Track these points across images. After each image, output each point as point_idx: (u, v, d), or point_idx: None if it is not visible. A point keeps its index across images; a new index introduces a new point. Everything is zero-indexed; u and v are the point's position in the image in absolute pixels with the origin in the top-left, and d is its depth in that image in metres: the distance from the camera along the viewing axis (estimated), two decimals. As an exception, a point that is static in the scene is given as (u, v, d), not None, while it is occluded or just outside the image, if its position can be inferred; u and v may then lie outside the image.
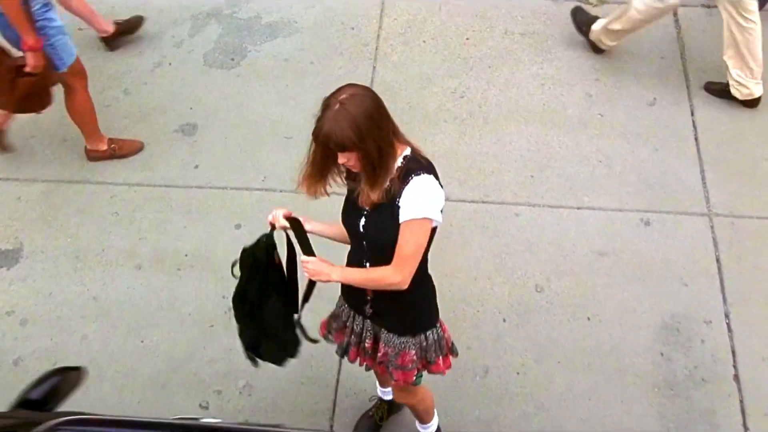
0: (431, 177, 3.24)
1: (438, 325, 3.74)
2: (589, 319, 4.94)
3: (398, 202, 3.22)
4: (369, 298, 3.61)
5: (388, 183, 3.21)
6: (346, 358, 3.88)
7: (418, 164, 3.23)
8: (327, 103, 3.07)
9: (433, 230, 3.33)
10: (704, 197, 5.43)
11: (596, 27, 6.04)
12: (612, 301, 5.01)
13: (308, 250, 3.50)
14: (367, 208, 3.31)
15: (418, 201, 3.20)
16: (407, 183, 3.20)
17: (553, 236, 5.29)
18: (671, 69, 6.10)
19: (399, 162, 3.24)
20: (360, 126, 3.03)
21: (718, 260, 5.14)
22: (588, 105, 5.94)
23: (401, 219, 3.23)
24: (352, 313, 3.78)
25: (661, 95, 5.96)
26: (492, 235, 5.30)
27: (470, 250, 5.18)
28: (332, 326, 3.90)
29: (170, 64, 6.19)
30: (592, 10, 6.37)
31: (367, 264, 3.46)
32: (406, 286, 3.33)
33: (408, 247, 3.28)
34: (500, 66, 6.17)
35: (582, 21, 6.16)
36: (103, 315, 4.99)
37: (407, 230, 3.25)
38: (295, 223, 3.51)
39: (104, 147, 5.61)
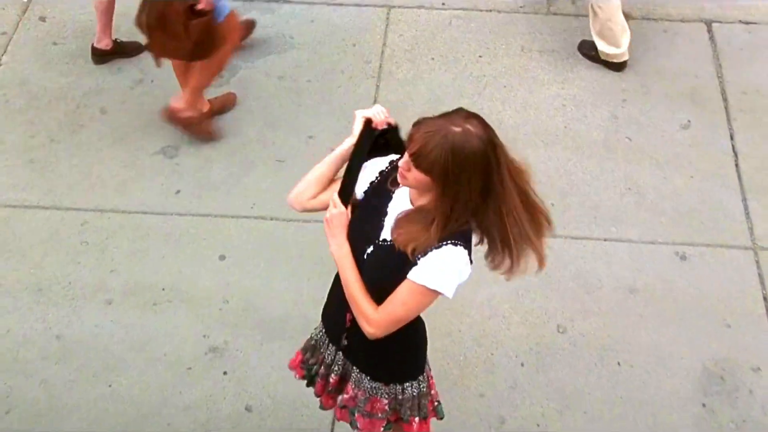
0: (465, 252, 2.83)
1: (421, 378, 3.30)
2: (619, 364, 4.48)
3: (418, 257, 2.83)
4: (347, 326, 3.20)
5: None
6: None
7: (460, 234, 2.83)
8: (449, 119, 2.69)
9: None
10: (748, 228, 4.99)
11: (598, 43, 5.67)
12: (645, 345, 4.55)
13: (348, 189, 3.00)
14: (384, 238, 2.94)
15: (438, 271, 2.83)
16: (438, 247, 2.81)
17: (577, 271, 4.85)
18: (707, 89, 5.70)
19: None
20: (465, 165, 2.66)
21: (765, 298, 4.70)
22: (614, 128, 5.53)
23: (410, 276, 2.85)
24: (326, 340, 3.38)
25: (696, 117, 5.55)
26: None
27: (484, 285, 4.74)
28: (309, 361, 3.48)
29: (152, 81, 5.79)
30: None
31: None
32: (376, 337, 2.95)
33: (402, 307, 2.91)
34: (517, 85, 5.77)
35: (587, 48, 5.85)
36: (66, 356, 4.54)
37: (410, 291, 2.88)
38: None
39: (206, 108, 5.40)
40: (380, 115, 2.97)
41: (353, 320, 3.06)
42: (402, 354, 3.22)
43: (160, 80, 5.78)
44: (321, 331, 3.44)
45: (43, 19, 6.21)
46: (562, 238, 4.98)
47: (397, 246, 2.87)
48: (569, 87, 5.76)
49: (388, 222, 2.93)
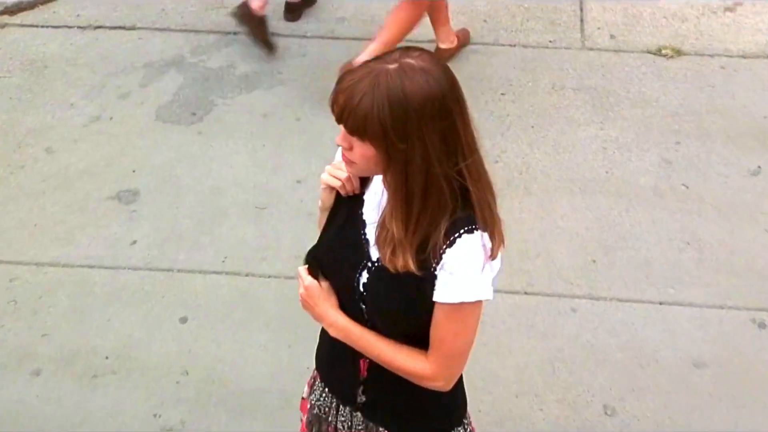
0: (484, 235, 2.23)
1: (465, 423, 2.65)
2: (686, 454, 3.65)
3: (435, 269, 2.23)
4: (363, 378, 2.50)
5: (424, 236, 2.21)
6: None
7: (469, 218, 2.22)
8: (380, 58, 2.12)
9: None
10: (839, 289, 4.21)
11: None
12: (717, 430, 3.72)
13: (316, 259, 2.48)
14: (376, 258, 2.32)
15: (467, 275, 2.23)
16: (452, 244, 2.21)
17: (628, 340, 4.06)
18: (777, 130, 4.99)
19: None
20: (409, 111, 2.05)
21: None
22: (667, 173, 4.80)
23: (439, 298, 2.25)
24: (334, 402, 2.64)
25: (767, 163, 4.82)
26: (540, 337, 4.08)
27: (510, 355, 3.96)
28: None
29: (111, 118, 5.11)
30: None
31: (367, 325, 2.41)
32: (449, 388, 2.40)
33: (456, 339, 2.32)
34: (546, 125, 5.06)
35: None
36: (-21, 438, 3.74)
37: (450, 316, 2.28)
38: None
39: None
40: (343, 184, 2.38)
41: (371, 367, 2.45)
42: (440, 396, 2.48)
43: (121, 117, 5.10)
44: (323, 392, 2.70)
45: (-13, 51, 5.58)
46: (606, 300, 4.22)
47: (394, 269, 2.23)
48: (610, 128, 5.05)
49: (371, 233, 2.32)
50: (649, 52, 5.50)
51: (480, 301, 2.28)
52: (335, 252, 2.44)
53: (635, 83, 5.31)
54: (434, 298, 2.26)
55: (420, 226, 2.21)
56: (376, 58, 2.12)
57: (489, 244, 2.24)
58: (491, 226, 2.24)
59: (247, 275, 4.34)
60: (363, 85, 2.09)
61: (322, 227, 2.55)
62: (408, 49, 2.16)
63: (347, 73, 2.14)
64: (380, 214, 2.32)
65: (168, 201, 4.69)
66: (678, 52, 5.44)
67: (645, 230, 4.54)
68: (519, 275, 4.32)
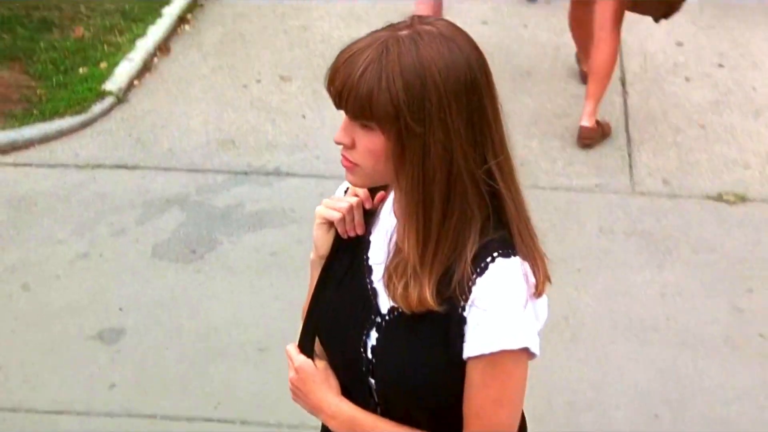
0: (525, 265, 1.75)
1: None
2: None
3: (463, 308, 1.74)
4: None
5: (447, 263, 1.75)
6: None
7: (504, 240, 1.76)
8: (389, 26, 1.72)
9: None
10: None
11: None
12: None
13: (310, 332, 2.00)
14: (387, 310, 1.83)
15: (506, 312, 1.74)
16: (483, 271, 1.74)
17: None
18: None
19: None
20: (427, 84, 1.65)
21: None
22: (739, 322, 4.20)
23: (471, 350, 1.76)
24: None
25: None
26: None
27: None
28: None
29: (101, 255, 4.58)
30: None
31: (378, 410, 1.89)
32: None
33: (498, 412, 1.79)
34: (594, 269, 4.50)
35: None
36: None
37: (490, 378, 1.78)
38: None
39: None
40: (343, 217, 1.89)
41: None
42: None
43: (112, 253, 4.57)
44: None
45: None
46: (676, 461, 3.51)
47: (408, 308, 1.75)
48: (668, 272, 4.47)
49: (379, 280, 1.84)
50: (708, 197, 4.97)
51: (525, 352, 1.76)
52: (335, 313, 1.91)
53: (695, 229, 4.76)
54: (465, 353, 1.75)
55: (440, 245, 1.74)
56: (384, 27, 1.72)
57: (531, 277, 1.75)
58: (531, 251, 1.76)
59: (242, 423, 3.69)
60: (368, 54, 1.66)
61: (314, 283, 1.98)
62: (423, 17, 1.74)
63: (348, 46, 1.70)
64: (391, 247, 1.81)
65: (157, 341, 4.09)
66: (742, 199, 4.92)
67: (717, 384, 3.90)
68: (567, 428, 3.64)
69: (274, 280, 4.41)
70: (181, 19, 6.60)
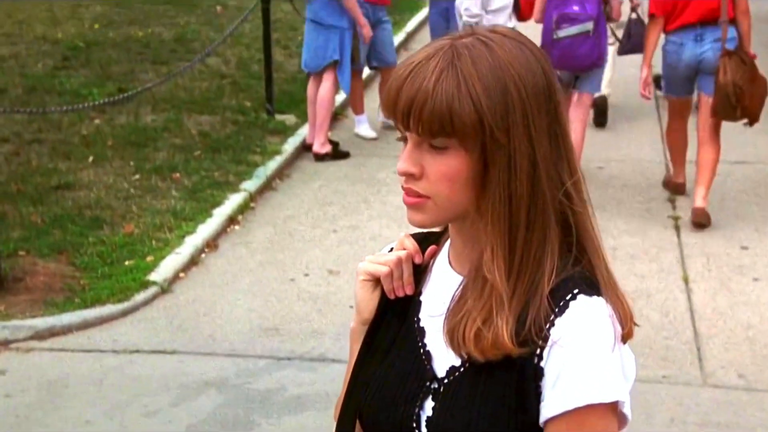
0: (603, 304, 1.51)
1: None
2: None
3: (540, 359, 1.49)
4: None
5: (526, 297, 1.51)
6: None
7: (584, 277, 1.52)
8: (443, 37, 1.54)
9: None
10: None
11: None
12: None
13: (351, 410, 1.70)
14: (446, 371, 1.57)
15: (592, 358, 1.47)
16: (562, 311, 1.49)
17: None
18: None
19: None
20: (509, 88, 1.47)
21: None
22: None
23: (551, 410, 1.48)
24: None
25: None
26: None
27: None
28: None
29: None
30: None
31: None
32: None
33: None
34: (669, 459, 4.02)
35: None
36: None
37: None
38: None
39: None
40: (391, 272, 1.64)
41: None
42: None
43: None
44: None
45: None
46: None
47: (482, 353, 1.48)
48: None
49: (435, 340, 1.59)
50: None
51: (615, 407, 1.48)
52: (381, 388, 1.62)
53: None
54: (543, 416, 1.48)
55: (523, 275, 1.49)
56: (440, 39, 1.54)
57: (617, 322, 1.50)
58: (614, 289, 1.53)
59: None
60: (435, 62, 1.47)
61: (354, 357, 1.69)
62: (476, 29, 1.55)
63: (404, 61, 1.51)
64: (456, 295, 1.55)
65: None
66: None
67: None
68: None
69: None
70: (231, 220, 6.46)
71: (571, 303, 1.48)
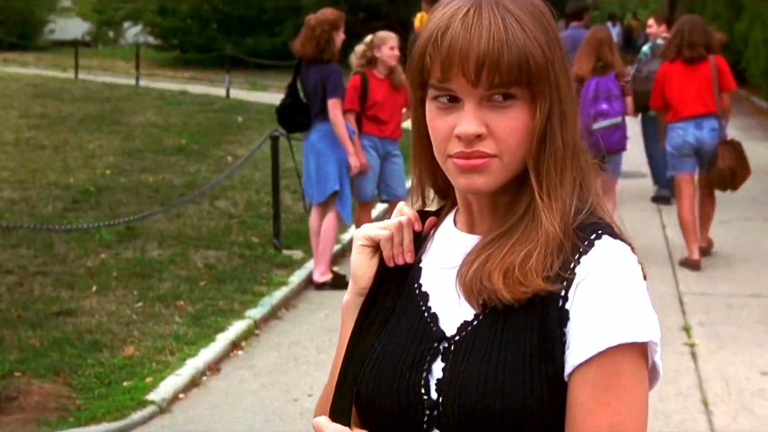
0: (628, 248, 1.44)
1: None
2: None
3: (565, 300, 1.38)
4: None
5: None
6: None
7: (604, 223, 1.47)
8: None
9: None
10: None
11: None
12: None
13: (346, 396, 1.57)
14: (458, 327, 1.46)
15: (623, 298, 1.36)
16: (587, 250, 1.41)
17: None
18: None
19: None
20: (550, 31, 1.47)
21: None
22: None
23: (577, 357, 1.35)
24: None
25: None
26: None
27: None
28: None
29: None
30: None
31: None
32: None
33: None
34: None
35: None
36: None
37: (605, 387, 1.33)
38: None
39: None
40: (391, 236, 1.57)
41: None
42: None
43: None
44: None
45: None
46: None
47: (507, 292, 1.38)
48: None
49: (441, 302, 1.49)
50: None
51: (646, 354, 1.35)
52: (380, 361, 1.51)
53: None
54: (568, 365, 1.35)
55: (565, 216, 1.43)
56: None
57: (640, 266, 1.42)
58: (627, 240, 1.47)
59: None
60: (490, 13, 1.41)
61: (348, 334, 1.57)
62: None
63: (440, 20, 1.45)
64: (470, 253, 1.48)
65: None
66: None
67: None
68: None
69: None
70: (235, 345, 6.24)
71: (596, 242, 1.40)
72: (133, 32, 31.06)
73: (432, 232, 1.58)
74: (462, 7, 1.42)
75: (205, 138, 13.71)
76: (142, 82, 21.08)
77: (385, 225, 1.56)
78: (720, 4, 20.90)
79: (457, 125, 1.41)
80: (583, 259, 1.38)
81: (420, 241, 1.57)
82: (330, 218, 7.29)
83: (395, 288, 1.54)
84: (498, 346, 1.37)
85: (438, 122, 1.43)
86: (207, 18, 25.53)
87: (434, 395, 1.40)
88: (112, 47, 32.15)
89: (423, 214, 1.59)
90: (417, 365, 1.43)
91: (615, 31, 27.26)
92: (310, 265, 7.74)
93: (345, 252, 8.23)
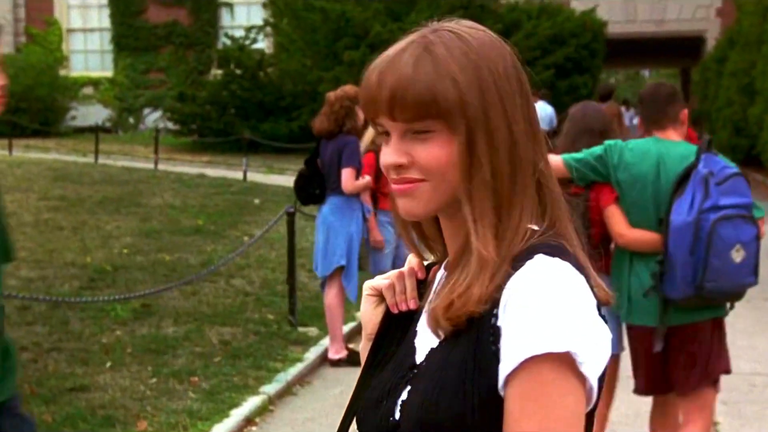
0: (567, 265, 1.49)
1: None
2: None
3: (496, 318, 1.47)
4: None
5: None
6: None
7: (547, 244, 1.54)
8: (412, 32, 1.60)
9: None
10: None
11: None
12: None
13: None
14: (426, 355, 1.58)
15: (543, 310, 1.42)
16: (517, 268, 1.50)
17: None
18: None
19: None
20: (481, 67, 1.53)
21: None
22: None
23: (505, 368, 1.43)
24: None
25: None
26: None
27: None
28: None
29: None
30: None
31: None
32: None
33: None
34: None
35: None
36: None
37: (528, 396, 1.40)
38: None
39: None
40: (392, 285, 1.70)
41: None
42: None
43: None
44: None
45: None
46: None
47: (447, 321, 1.49)
48: None
49: (422, 336, 1.62)
50: None
51: (573, 366, 1.38)
52: (371, 394, 1.64)
53: None
54: (501, 375, 1.42)
55: (506, 243, 1.50)
56: (404, 36, 1.60)
57: (583, 283, 1.47)
58: (588, 265, 1.53)
59: None
60: (410, 51, 1.52)
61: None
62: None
63: (378, 59, 1.56)
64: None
65: None
66: None
67: None
68: None
69: None
70: (249, 421, 6.15)
71: (528, 261, 1.47)
72: (152, 118, 31.37)
73: (434, 279, 1.68)
74: (397, 47, 1.53)
75: (221, 219, 13.72)
76: (161, 166, 21.21)
77: (388, 275, 1.70)
78: (733, 90, 20.99)
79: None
80: (512, 277, 1.45)
81: (424, 287, 1.67)
82: (332, 295, 7.22)
83: (400, 333, 1.66)
84: (445, 365, 1.48)
85: (382, 155, 1.55)
86: (225, 104, 25.71)
87: (397, 416, 1.53)
88: (132, 133, 32.39)
89: (431, 265, 1.70)
90: (392, 392, 1.56)
91: (628, 116, 27.41)
92: (325, 341, 7.66)
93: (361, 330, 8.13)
